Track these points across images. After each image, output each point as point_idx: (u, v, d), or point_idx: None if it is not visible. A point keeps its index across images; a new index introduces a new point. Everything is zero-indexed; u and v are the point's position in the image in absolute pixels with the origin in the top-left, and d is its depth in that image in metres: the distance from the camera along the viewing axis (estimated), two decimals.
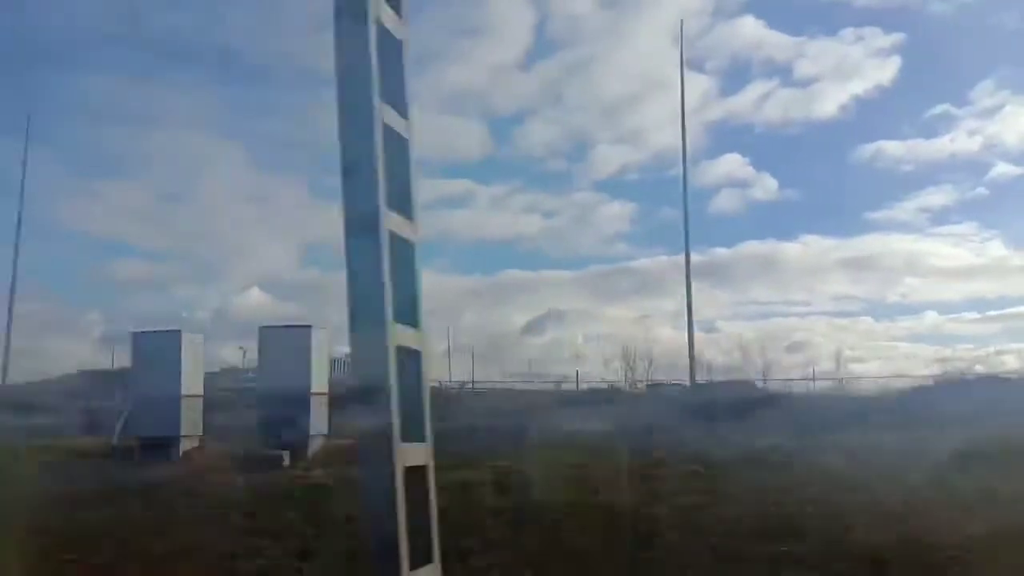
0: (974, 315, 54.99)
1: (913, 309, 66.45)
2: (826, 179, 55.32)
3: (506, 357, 40.12)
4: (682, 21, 28.50)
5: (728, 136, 60.31)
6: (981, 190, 53.36)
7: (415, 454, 1.96)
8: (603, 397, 21.75)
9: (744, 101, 60.33)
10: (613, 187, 60.91)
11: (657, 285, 60.70)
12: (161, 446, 13.16)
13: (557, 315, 51.33)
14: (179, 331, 13.76)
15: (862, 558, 7.10)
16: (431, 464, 2.07)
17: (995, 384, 20.78)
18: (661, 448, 11.79)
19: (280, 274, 56.56)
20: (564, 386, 29.95)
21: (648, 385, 25.30)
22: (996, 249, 52.34)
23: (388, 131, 2.20)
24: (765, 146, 59.70)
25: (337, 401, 14.10)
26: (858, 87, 67.34)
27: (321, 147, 61.46)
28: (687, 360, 25.41)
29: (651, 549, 7.57)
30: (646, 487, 9.65)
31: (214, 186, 57.27)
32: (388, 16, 2.27)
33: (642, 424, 14.30)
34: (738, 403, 16.97)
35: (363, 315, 1.84)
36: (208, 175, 54.99)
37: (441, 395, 22.58)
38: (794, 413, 15.81)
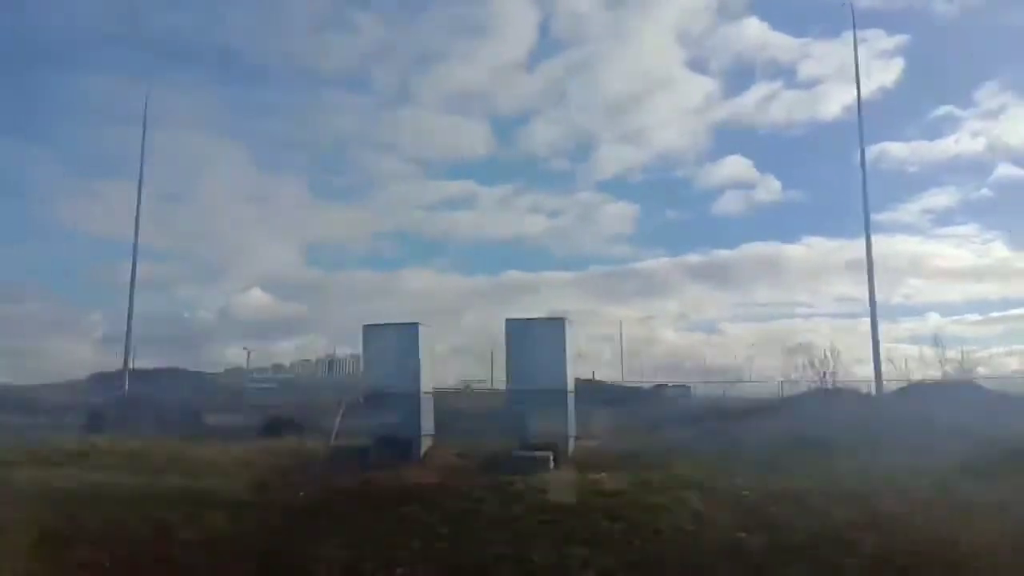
0: (976, 317, 55.09)
1: (916, 310, 67.65)
2: (829, 180, 56.08)
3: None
4: None
5: (732, 138, 59.34)
6: (984, 191, 55.03)
7: None
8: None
9: (748, 102, 60.04)
10: (616, 187, 59.65)
11: (659, 286, 59.72)
12: (399, 446, 12.23)
13: (557, 315, 49.69)
14: (417, 324, 12.84)
15: None
16: None
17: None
18: None
19: (281, 274, 56.48)
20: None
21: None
22: (999, 251, 53.93)
23: None
24: (768, 148, 58.31)
25: None
26: (862, 88, 64.98)
27: (321, 147, 60.08)
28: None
29: None
30: None
31: (215, 186, 57.40)
32: None
33: None
34: None
35: None
36: (209, 175, 55.29)
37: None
38: None
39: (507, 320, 12.85)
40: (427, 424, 12.77)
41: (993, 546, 6.54)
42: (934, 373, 22.60)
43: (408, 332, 12.70)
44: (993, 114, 58.00)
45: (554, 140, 60.45)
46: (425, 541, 7.34)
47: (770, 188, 55.78)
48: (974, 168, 55.84)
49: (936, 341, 24.84)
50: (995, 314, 61.42)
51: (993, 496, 8.13)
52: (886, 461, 10.35)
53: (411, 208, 61.15)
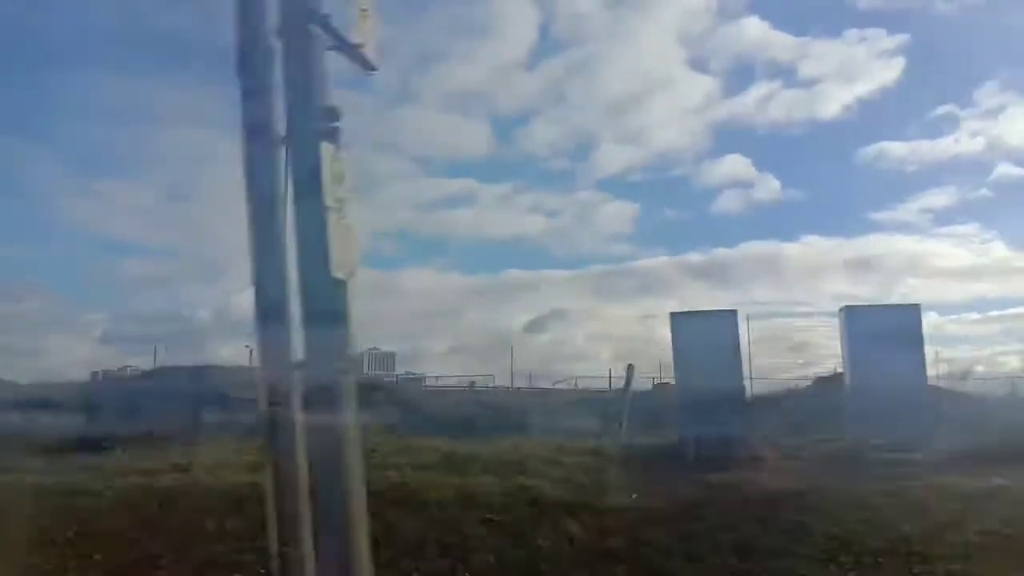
0: (975, 316, 55.43)
1: None
2: (829, 180, 54.05)
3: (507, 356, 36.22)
4: None
5: (731, 137, 55.56)
6: (984, 191, 53.53)
7: None
8: None
9: (747, 102, 56.40)
10: (616, 186, 55.34)
11: (659, 285, 54.04)
12: (722, 445, 11.22)
13: (559, 314, 46.18)
14: (734, 311, 11.85)
15: None
16: None
17: None
18: None
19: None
20: None
21: None
22: (998, 250, 51.85)
23: None
24: (768, 147, 54.54)
25: None
26: (862, 88, 58.08)
27: None
28: None
29: None
30: None
31: (215, 184, 57.42)
32: None
33: None
34: None
35: None
36: (209, 173, 55.29)
37: None
38: None
39: (672, 314, 11.61)
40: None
41: None
42: None
43: (726, 320, 11.70)
44: (993, 114, 56.65)
45: (554, 139, 60.00)
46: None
47: (769, 187, 53.41)
48: (974, 167, 54.81)
49: None
50: (994, 313, 60.91)
51: None
52: None
53: (411, 207, 60.81)
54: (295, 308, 2.02)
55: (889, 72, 58.33)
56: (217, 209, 58.47)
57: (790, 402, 17.42)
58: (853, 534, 6.83)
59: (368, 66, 2.31)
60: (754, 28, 55.68)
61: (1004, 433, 12.90)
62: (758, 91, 57.36)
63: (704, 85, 61.02)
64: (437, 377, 31.80)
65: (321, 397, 2.00)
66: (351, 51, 2.24)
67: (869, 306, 11.62)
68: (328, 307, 2.03)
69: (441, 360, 57.05)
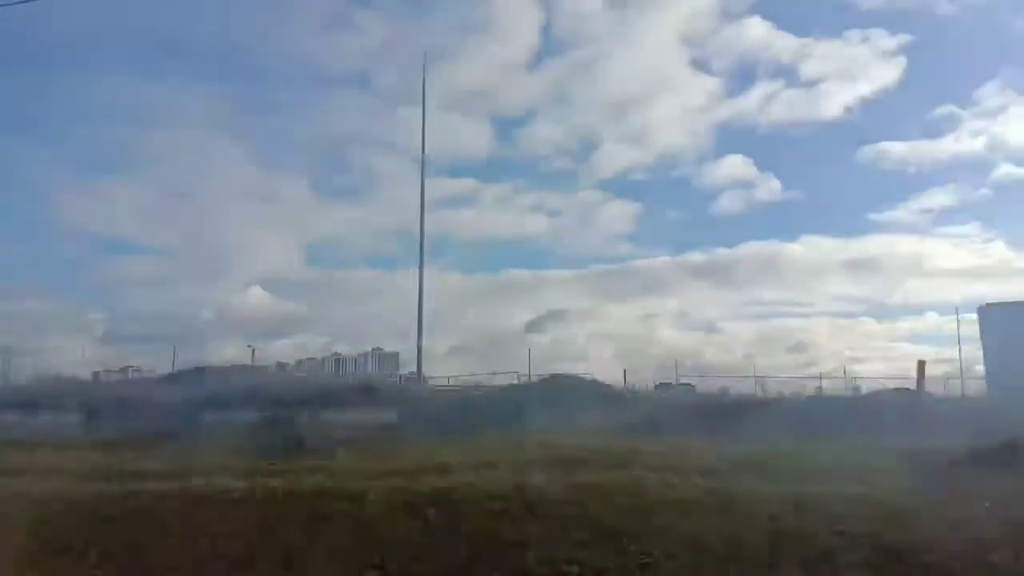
0: (975, 316, 49.08)
1: (914, 310, 71.12)
2: (830, 180, 60.16)
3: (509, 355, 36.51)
4: None
5: (733, 137, 54.33)
6: (984, 191, 57.87)
7: None
8: None
9: (749, 102, 56.34)
10: (618, 186, 55.15)
11: (660, 285, 53.89)
12: None
13: (560, 314, 46.09)
14: None
15: None
16: None
17: None
18: None
19: (282, 272, 55.22)
20: None
21: None
22: (998, 250, 56.90)
23: None
24: (769, 147, 53.95)
25: None
26: (863, 88, 58.34)
27: (323, 146, 61.33)
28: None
29: None
30: None
31: (217, 184, 56.92)
32: None
33: None
34: None
35: None
36: (211, 173, 54.94)
37: None
38: None
39: (980, 307, 10.91)
40: None
41: None
42: None
43: None
44: (994, 113, 62.05)
45: (557, 139, 59.29)
46: None
47: (770, 187, 52.96)
48: (974, 167, 60.21)
49: None
50: None
51: None
52: None
53: (412, 207, 59.92)
54: None
55: (890, 72, 58.48)
56: (218, 209, 58.67)
57: None
58: None
59: None
60: (756, 29, 55.83)
61: None
62: (760, 91, 57.76)
63: (706, 85, 61.13)
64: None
65: None
66: None
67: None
68: None
69: (442, 360, 56.45)
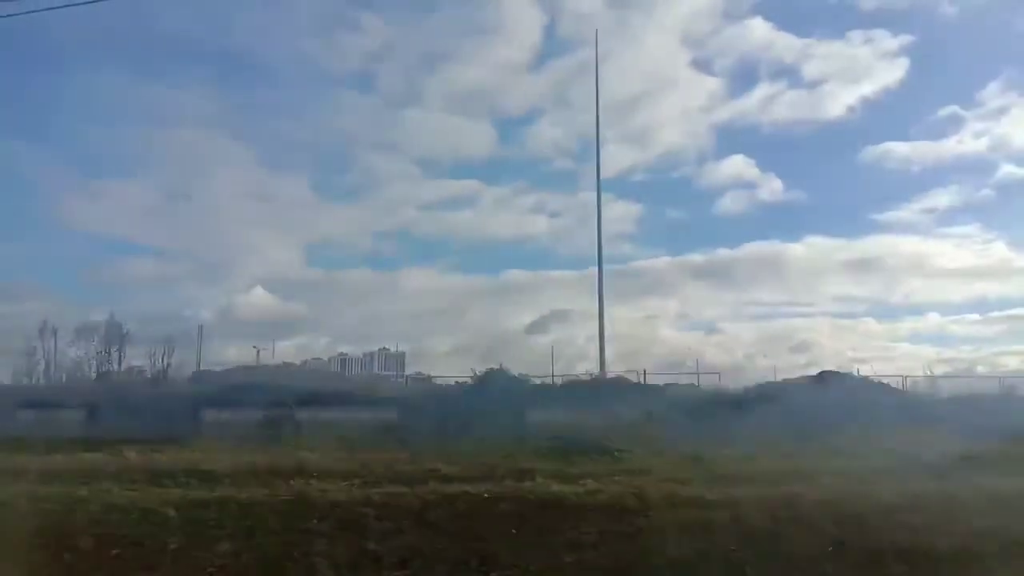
0: (976, 316, 57.62)
1: (916, 310, 67.52)
2: (832, 180, 56.93)
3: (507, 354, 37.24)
4: None
5: (735, 137, 56.84)
6: (987, 191, 55.60)
7: None
8: None
9: (751, 102, 59.29)
10: (619, 187, 55.87)
11: (661, 285, 54.65)
12: None
13: (561, 315, 46.67)
14: None
15: None
16: None
17: None
18: None
19: (283, 273, 55.63)
20: None
21: None
22: (999, 251, 54.38)
23: None
24: (771, 147, 55.94)
25: None
26: (866, 89, 59.32)
27: (325, 146, 60.46)
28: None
29: None
30: None
31: (219, 185, 56.92)
32: None
33: None
34: None
35: None
36: (213, 174, 55.12)
37: None
38: None
39: None
40: None
41: None
42: None
43: None
44: (997, 114, 59.47)
45: (558, 140, 59.57)
46: None
47: (772, 188, 53.73)
48: (977, 168, 57.51)
49: None
50: (995, 313, 62.11)
51: None
52: None
53: (413, 207, 62.82)
54: None
55: (893, 73, 58.80)
56: (219, 209, 58.85)
57: None
58: None
59: None
60: (759, 29, 56.08)
61: None
62: (762, 92, 57.86)
63: (708, 86, 61.32)
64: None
65: None
66: None
67: None
68: None
69: (443, 360, 56.84)
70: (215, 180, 60.42)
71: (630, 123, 59.49)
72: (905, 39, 57.72)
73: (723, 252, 53.54)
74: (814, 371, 25.00)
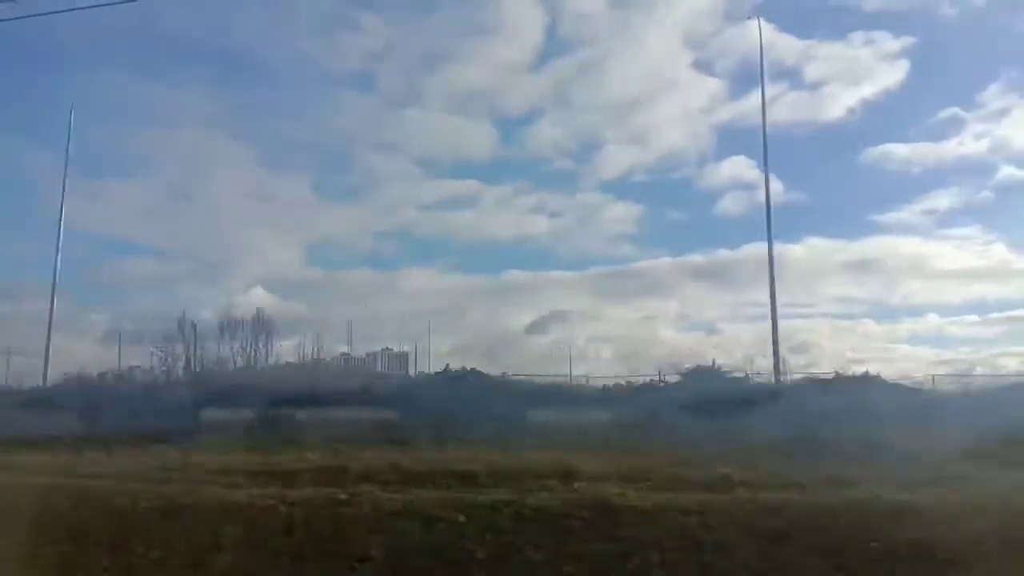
0: (975, 318, 53.96)
1: (915, 311, 63.97)
2: (832, 182, 53.84)
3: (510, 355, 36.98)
4: None
5: (735, 138, 54.63)
6: (987, 193, 52.39)
7: None
8: None
9: (752, 104, 55.49)
10: (619, 188, 55.96)
11: (661, 286, 55.71)
12: None
13: (561, 315, 46.57)
14: None
15: None
16: None
17: None
18: None
19: (284, 273, 55.04)
20: None
21: None
22: (999, 252, 50.76)
23: None
24: (772, 148, 53.84)
25: None
26: (867, 90, 59.98)
27: (325, 146, 58.45)
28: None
29: None
30: None
31: (219, 184, 55.24)
32: None
33: None
34: None
35: None
36: (213, 174, 54.44)
37: None
38: None
39: None
40: None
41: None
42: None
43: None
44: (997, 116, 56.99)
45: (558, 140, 59.01)
46: None
47: (772, 188, 53.02)
48: (977, 170, 54.77)
49: None
50: (994, 315, 58.23)
51: None
52: None
53: (413, 207, 60.17)
54: None
55: (894, 74, 58.62)
56: (219, 209, 58.92)
57: None
58: None
59: None
60: (760, 30, 56.28)
61: None
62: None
63: (709, 87, 61.17)
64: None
65: None
66: None
67: None
68: None
69: (443, 360, 56.90)
70: (215, 180, 60.18)
71: (630, 124, 59.44)
72: (906, 41, 57.61)
73: (723, 253, 53.42)
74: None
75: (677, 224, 57.26)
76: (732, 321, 51.94)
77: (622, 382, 27.41)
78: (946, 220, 63.38)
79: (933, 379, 27.45)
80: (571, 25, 62.70)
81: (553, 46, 63.59)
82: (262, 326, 39.08)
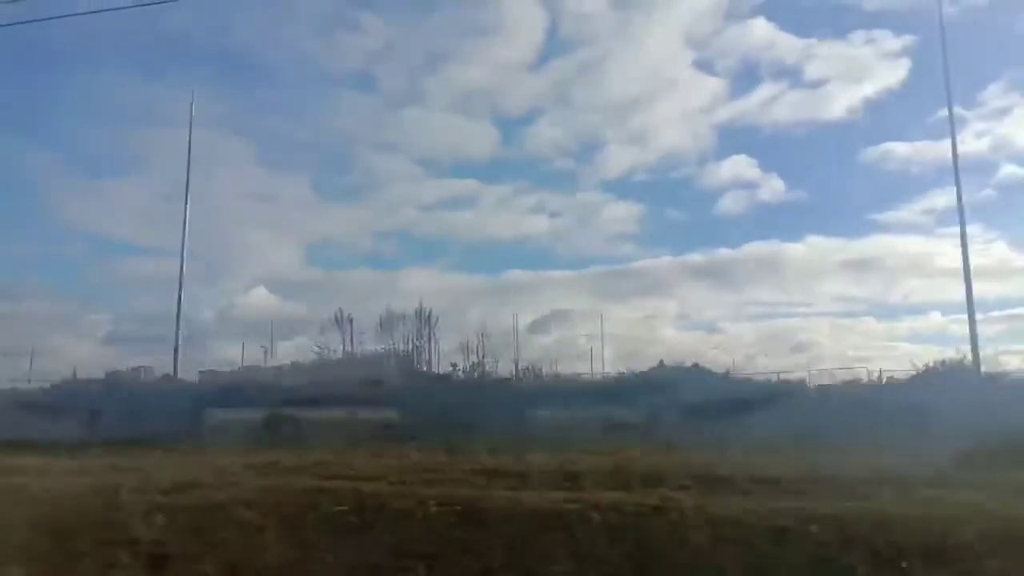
0: (976, 316, 51.77)
1: (916, 310, 66.76)
2: (833, 180, 54.95)
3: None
4: None
5: (736, 137, 56.11)
6: (988, 192, 52.66)
7: None
8: None
9: (753, 103, 57.89)
10: (620, 187, 56.45)
11: (661, 286, 56.96)
12: None
13: (561, 315, 46.89)
14: None
15: None
16: None
17: None
18: None
19: (285, 273, 55.28)
20: None
21: None
22: (1000, 251, 51.67)
23: None
24: (773, 147, 55.80)
25: None
26: (868, 89, 60.13)
27: (326, 146, 59.51)
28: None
29: None
30: None
31: (220, 184, 56.54)
32: None
33: None
34: None
35: None
36: (214, 174, 54.56)
37: None
38: None
39: None
40: None
41: None
42: None
43: None
44: (998, 114, 58.66)
45: (559, 140, 59.71)
46: None
47: (773, 188, 55.45)
48: (978, 168, 58.31)
49: None
50: (995, 313, 59.17)
51: None
52: None
53: (414, 207, 61.34)
54: None
55: (894, 73, 58.75)
56: (219, 209, 58.91)
57: None
58: None
59: None
60: (761, 29, 56.21)
61: None
62: (764, 92, 57.70)
63: (710, 86, 61.22)
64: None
65: None
66: None
67: None
68: None
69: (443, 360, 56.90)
70: (215, 180, 60.33)
71: (631, 123, 59.51)
72: (907, 39, 57.65)
73: (724, 252, 53.46)
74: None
75: (677, 223, 57.48)
76: (733, 320, 52.29)
77: None
78: (946, 219, 63.47)
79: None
80: (571, 25, 63.26)
81: (553, 46, 64.02)
82: (424, 322, 39.58)
